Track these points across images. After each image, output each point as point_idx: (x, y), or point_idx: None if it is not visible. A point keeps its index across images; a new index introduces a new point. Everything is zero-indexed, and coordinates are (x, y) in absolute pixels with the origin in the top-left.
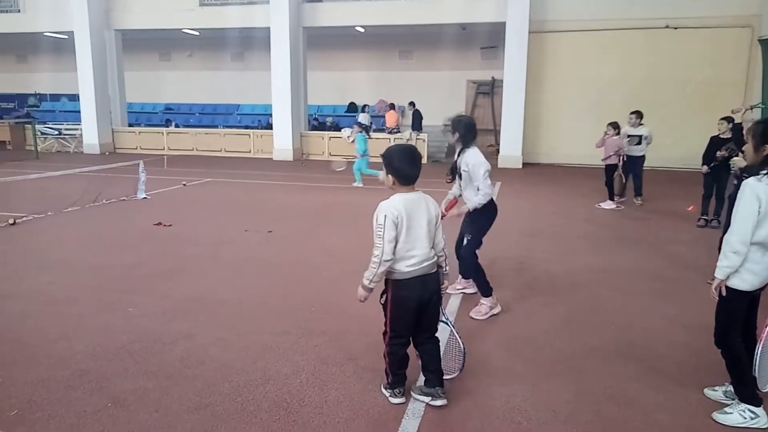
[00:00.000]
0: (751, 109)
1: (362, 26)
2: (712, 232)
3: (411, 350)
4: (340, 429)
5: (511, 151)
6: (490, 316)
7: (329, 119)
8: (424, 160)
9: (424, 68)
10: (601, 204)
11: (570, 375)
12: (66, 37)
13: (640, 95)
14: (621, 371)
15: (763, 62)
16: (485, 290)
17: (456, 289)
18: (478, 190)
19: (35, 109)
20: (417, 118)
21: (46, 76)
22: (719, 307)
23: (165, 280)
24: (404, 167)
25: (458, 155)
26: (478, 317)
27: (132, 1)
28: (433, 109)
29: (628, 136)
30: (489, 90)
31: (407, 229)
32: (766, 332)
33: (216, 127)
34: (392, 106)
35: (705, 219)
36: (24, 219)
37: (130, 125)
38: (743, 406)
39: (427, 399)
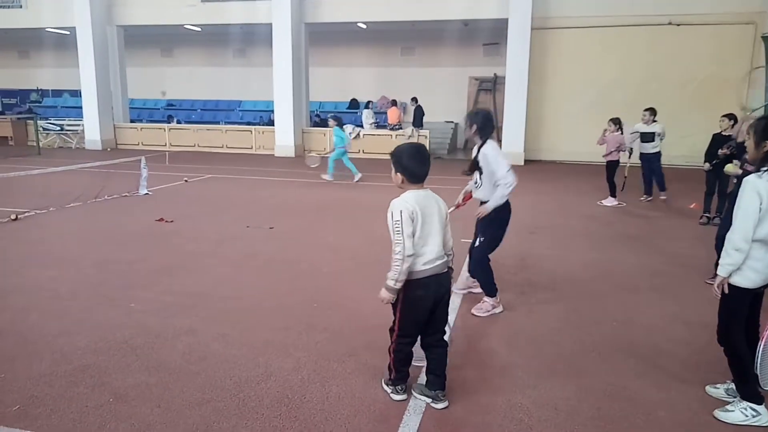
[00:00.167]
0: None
1: (364, 22)
2: (714, 229)
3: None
4: (342, 425)
5: (512, 148)
6: (491, 315)
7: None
8: None
9: (427, 64)
10: (602, 201)
11: (571, 372)
12: (68, 32)
13: (643, 92)
14: (622, 368)
15: (766, 59)
16: (490, 290)
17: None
18: (496, 187)
19: (37, 104)
20: (418, 114)
21: (48, 71)
22: (722, 305)
23: (167, 276)
24: (413, 166)
25: (478, 149)
26: (479, 314)
27: None
28: (435, 106)
29: (641, 133)
30: (491, 86)
31: (422, 225)
32: None
33: (218, 123)
34: (394, 103)
35: (707, 216)
36: (26, 214)
37: (132, 121)
38: (745, 403)
39: (428, 400)
